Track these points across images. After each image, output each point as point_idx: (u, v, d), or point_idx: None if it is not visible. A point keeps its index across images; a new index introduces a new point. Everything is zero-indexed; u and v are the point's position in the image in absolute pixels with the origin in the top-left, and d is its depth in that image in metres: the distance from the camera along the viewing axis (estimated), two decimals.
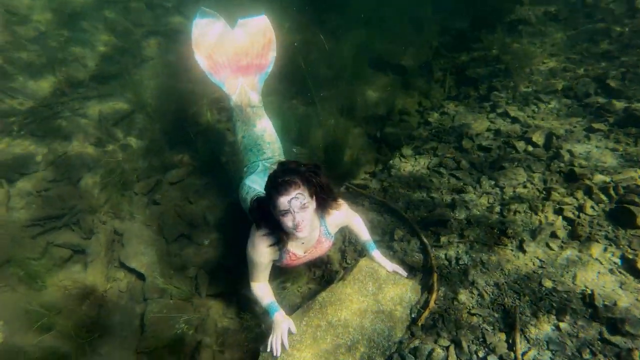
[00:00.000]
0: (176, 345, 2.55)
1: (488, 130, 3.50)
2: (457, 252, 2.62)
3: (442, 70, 4.79)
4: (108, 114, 4.08)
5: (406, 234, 2.88)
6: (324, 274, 2.91)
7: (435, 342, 2.22)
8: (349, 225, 2.53)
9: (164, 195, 3.53)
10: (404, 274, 2.46)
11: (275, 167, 2.06)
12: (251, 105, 3.04)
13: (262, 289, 2.31)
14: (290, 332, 2.15)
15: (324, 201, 2.10)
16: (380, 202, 3.20)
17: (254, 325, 2.59)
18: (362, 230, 2.54)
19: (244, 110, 3.01)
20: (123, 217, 3.28)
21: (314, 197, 1.98)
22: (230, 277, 2.90)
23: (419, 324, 2.29)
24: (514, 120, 3.50)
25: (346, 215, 2.40)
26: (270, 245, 2.13)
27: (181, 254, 3.13)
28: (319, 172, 2.02)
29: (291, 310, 2.43)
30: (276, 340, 2.10)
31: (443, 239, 2.73)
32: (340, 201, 2.36)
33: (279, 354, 2.06)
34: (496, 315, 2.23)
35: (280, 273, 2.83)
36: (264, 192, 1.96)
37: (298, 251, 2.25)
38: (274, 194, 1.84)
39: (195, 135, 3.90)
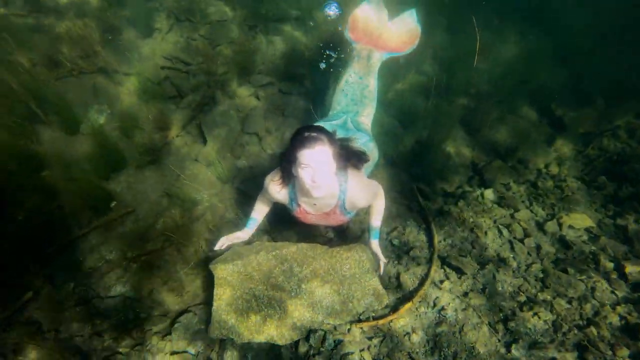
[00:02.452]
0: (189, 204, 3.00)
1: (587, 230, 3.01)
2: (447, 304, 2.48)
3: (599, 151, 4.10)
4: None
5: (419, 258, 2.79)
6: (335, 238, 3.01)
7: (361, 351, 2.25)
8: (370, 206, 2.53)
9: (266, 93, 3.93)
10: (381, 269, 2.48)
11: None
12: (370, 59, 3.13)
13: (259, 206, 2.55)
14: (240, 242, 2.42)
15: (345, 162, 2.13)
16: (425, 219, 3.11)
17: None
18: (377, 214, 2.51)
19: (360, 59, 3.13)
20: (227, 92, 3.77)
21: (337, 160, 2.04)
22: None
23: (359, 326, 2.32)
24: (627, 240, 2.94)
25: (370, 199, 2.40)
26: (280, 189, 2.26)
27: (245, 148, 3.53)
28: (348, 142, 2.10)
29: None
30: (224, 238, 2.37)
31: (445, 284, 2.60)
32: (373, 183, 2.38)
33: (215, 248, 2.33)
34: None
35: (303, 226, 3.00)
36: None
37: (307, 208, 2.33)
38: (298, 146, 1.90)
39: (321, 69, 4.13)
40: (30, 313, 2.34)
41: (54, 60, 3.39)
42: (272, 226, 2.97)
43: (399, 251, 2.87)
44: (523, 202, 3.32)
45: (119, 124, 3.28)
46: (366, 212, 2.56)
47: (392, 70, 4.13)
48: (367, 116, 3.12)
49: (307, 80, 4.08)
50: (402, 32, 3.30)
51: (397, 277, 2.68)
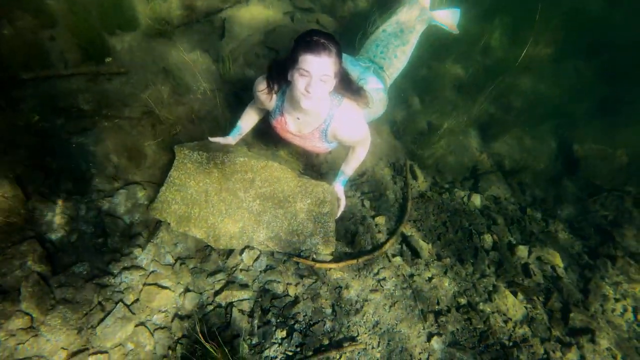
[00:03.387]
0: (183, 88, 2.87)
1: (553, 267, 2.92)
2: (390, 277, 2.41)
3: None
4: None
5: (382, 227, 2.71)
6: (305, 168, 2.89)
7: (288, 284, 2.20)
8: (350, 149, 2.41)
9: (302, 18, 3.72)
10: (338, 213, 2.45)
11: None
12: (422, 14, 2.94)
13: (247, 112, 2.46)
14: (227, 149, 2.33)
15: (342, 89, 2.01)
16: (404, 195, 3.01)
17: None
18: (353, 161, 2.41)
19: (413, 6, 2.95)
20: None
21: (337, 80, 1.90)
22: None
23: (296, 260, 2.27)
24: (584, 291, 2.86)
25: (353, 137, 2.23)
26: (270, 97, 2.14)
27: (259, 59, 3.35)
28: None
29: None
30: (214, 138, 2.39)
31: (396, 260, 2.52)
32: (365, 127, 2.22)
33: (206, 144, 2.35)
34: None
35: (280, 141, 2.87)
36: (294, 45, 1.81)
37: (289, 121, 2.21)
38: (302, 48, 1.73)
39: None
40: None
41: None
42: (254, 140, 2.85)
43: (366, 214, 2.78)
44: (505, 219, 3.21)
45: None
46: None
47: (433, 47, 3.92)
48: (389, 76, 2.94)
49: (348, 20, 3.86)
50: (442, 17, 3.19)
51: (353, 235, 2.60)
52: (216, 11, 3.37)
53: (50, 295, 1.84)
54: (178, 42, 3.11)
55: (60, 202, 2.13)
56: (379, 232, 2.68)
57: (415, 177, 3.26)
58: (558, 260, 2.98)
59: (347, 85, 2.03)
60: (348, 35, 3.71)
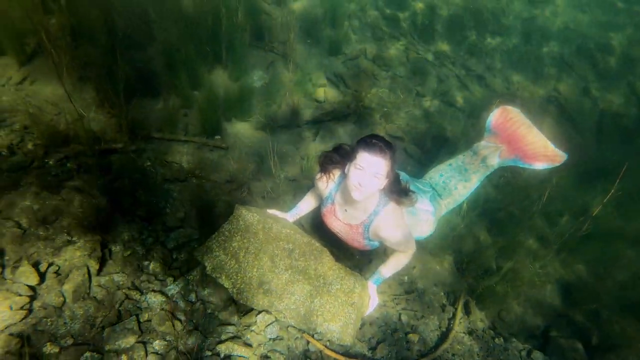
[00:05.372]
0: (267, 174, 3.37)
1: None
2: None
3: None
4: None
5: (413, 346, 2.52)
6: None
7: None
8: (391, 251, 2.49)
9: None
10: (370, 308, 2.44)
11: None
12: (484, 161, 3.07)
13: (307, 198, 2.78)
14: (279, 219, 2.59)
15: (391, 190, 2.21)
16: (448, 327, 2.80)
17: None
18: (392, 266, 2.47)
19: (475, 155, 3.10)
20: (344, 125, 4.18)
21: (387, 179, 2.12)
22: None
23: (308, 339, 2.22)
24: None
25: (395, 240, 2.33)
26: (326, 185, 2.43)
27: None
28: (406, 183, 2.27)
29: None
30: (272, 211, 2.68)
31: None
32: (410, 235, 2.34)
33: (263, 212, 2.61)
34: None
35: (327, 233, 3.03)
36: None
37: (338, 209, 2.43)
38: (362, 147, 2.02)
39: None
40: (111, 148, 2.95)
41: None
42: (310, 229, 3.09)
43: (399, 328, 2.64)
44: None
45: (265, 100, 3.98)
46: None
47: (518, 191, 3.96)
48: (446, 205, 3.04)
49: (434, 152, 4.21)
50: (548, 145, 3.09)
51: (379, 341, 2.47)
52: (317, 121, 4.05)
53: (87, 290, 2.13)
54: (276, 137, 3.76)
55: (131, 223, 2.57)
56: (408, 349, 2.50)
57: (468, 313, 3.04)
58: None
59: (396, 186, 2.23)
60: (428, 164, 4.02)
